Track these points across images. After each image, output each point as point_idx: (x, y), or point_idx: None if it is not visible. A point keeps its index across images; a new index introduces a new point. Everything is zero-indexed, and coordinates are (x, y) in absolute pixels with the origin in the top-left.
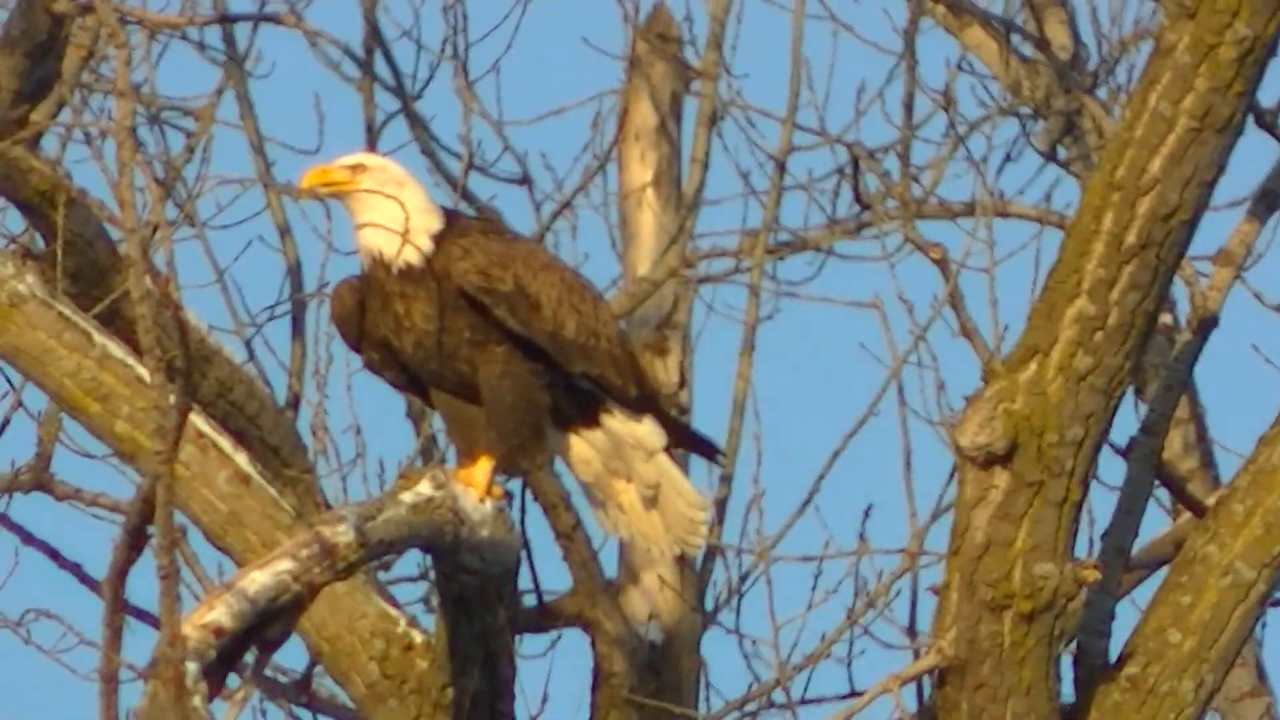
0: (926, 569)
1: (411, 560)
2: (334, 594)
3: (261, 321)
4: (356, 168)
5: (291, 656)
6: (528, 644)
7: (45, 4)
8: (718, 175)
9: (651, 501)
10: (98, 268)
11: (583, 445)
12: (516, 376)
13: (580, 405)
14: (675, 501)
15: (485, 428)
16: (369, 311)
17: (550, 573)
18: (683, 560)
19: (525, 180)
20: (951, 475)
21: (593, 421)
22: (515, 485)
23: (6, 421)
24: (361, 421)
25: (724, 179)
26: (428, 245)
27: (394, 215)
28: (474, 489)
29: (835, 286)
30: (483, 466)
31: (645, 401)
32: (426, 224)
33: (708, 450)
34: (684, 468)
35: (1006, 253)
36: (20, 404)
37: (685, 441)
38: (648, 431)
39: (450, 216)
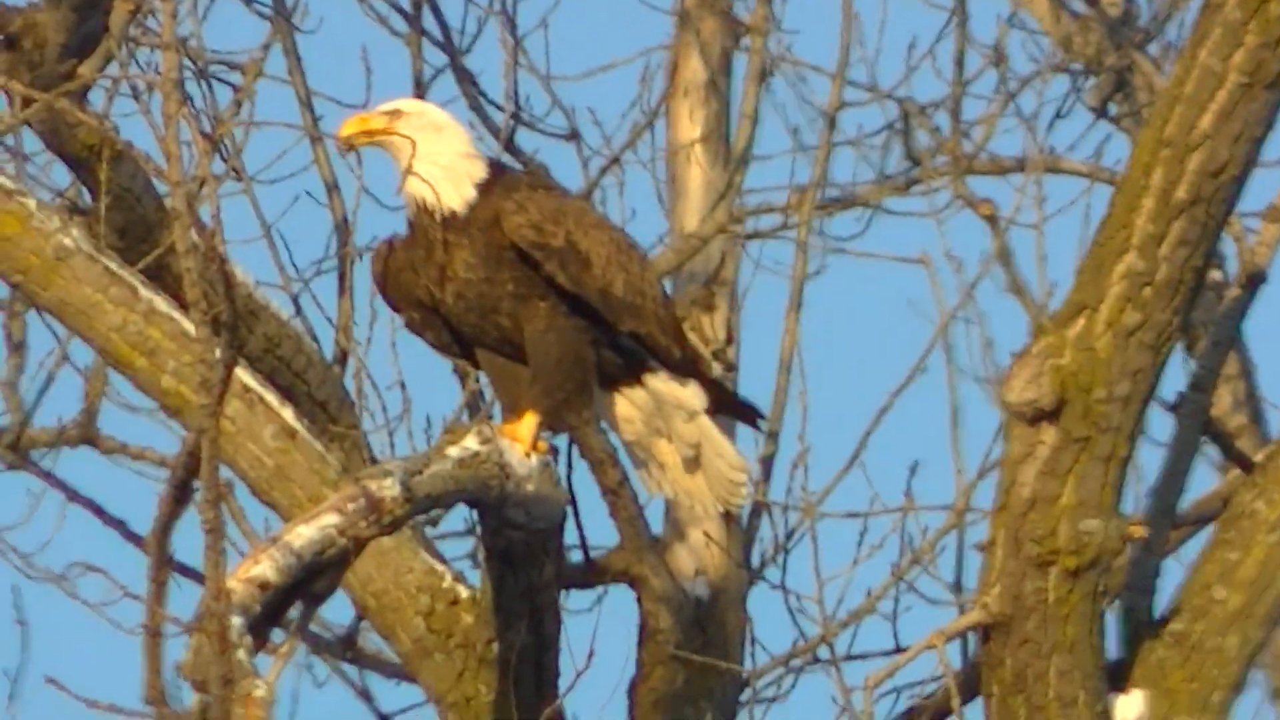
0: (973, 525)
1: (458, 515)
2: (380, 549)
3: (309, 277)
4: (393, 113)
5: (337, 611)
6: (574, 599)
7: None
8: (767, 131)
9: (693, 462)
10: (144, 222)
11: (625, 404)
12: (561, 331)
13: (624, 364)
14: (716, 462)
15: (530, 383)
16: (412, 264)
17: (597, 528)
18: (729, 517)
19: (573, 136)
20: (998, 432)
21: (636, 380)
22: (562, 441)
23: (52, 376)
24: (407, 377)
25: (773, 135)
26: (471, 192)
27: (435, 159)
28: (520, 444)
29: (884, 243)
30: (528, 422)
31: (688, 364)
32: (469, 170)
33: (750, 415)
34: (729, 426)
35: (1056, 209)
36: (66, 358)
37: (728, 406)
38: (690, 392)
39: (496, 168)
